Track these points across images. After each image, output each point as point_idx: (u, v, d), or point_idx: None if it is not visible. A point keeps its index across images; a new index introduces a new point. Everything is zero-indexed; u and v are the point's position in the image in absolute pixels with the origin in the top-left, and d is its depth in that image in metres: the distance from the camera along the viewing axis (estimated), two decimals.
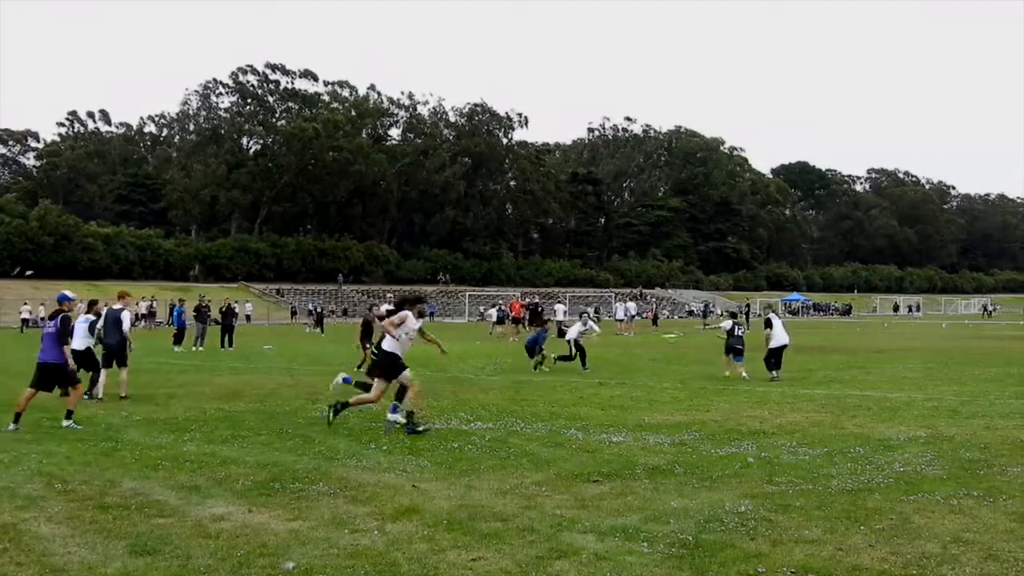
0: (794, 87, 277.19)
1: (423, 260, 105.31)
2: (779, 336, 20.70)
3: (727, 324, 21.99)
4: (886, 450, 10.99)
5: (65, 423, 12.71)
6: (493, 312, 50.37)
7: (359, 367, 22.18)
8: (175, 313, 37.77)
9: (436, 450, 10.93)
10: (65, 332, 13.14)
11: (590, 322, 25.67)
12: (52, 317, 13.44)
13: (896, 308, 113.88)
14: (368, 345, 21.18)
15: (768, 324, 21.04)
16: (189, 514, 7.76)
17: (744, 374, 20.67)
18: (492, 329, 49.04)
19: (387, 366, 12.68)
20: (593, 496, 8.45)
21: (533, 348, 23.75)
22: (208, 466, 9.90)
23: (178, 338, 34.34)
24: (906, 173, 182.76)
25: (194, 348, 32.58)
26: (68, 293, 14.10)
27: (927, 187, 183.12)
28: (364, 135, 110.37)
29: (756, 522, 7.46)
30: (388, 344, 12.71)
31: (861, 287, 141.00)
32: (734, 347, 21.35)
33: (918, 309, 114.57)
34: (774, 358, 20.68)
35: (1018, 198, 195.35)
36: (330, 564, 6.38)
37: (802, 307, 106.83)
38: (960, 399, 16.70)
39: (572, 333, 24.50)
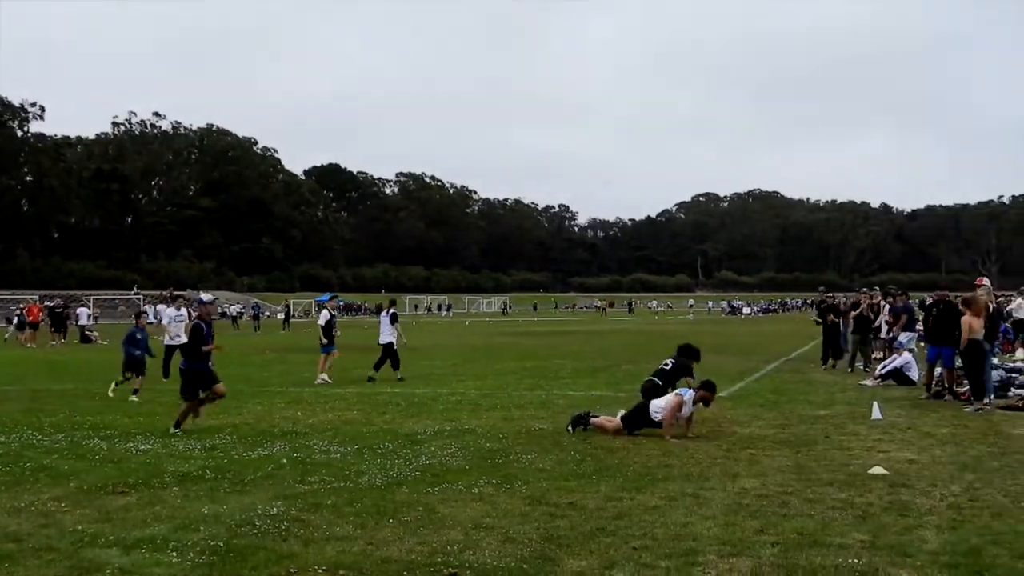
0: (328, 88, 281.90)
1: None
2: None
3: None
4: (414, 444, 11.47)
5: None
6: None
7: None
8: None
9: None
10: None
11: (183, 308, 22.10)
12: None
13: (416, 307, 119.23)
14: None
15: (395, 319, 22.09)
16: None
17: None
18: (6, 335, 45.78)
19: None
20: (118, 508, 8.09)
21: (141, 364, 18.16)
22: None
23: None
24: (432, 177, 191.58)
25: None
26: None
27: (451, 191, 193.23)
28: None
29: (288, 523, 7.49)
30: None
31: (391, 287, 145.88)
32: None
33: (448, 308, 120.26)
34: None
35: (532, 203, 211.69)
36: None
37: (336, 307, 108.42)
38: (482, 393, 17.80)
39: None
